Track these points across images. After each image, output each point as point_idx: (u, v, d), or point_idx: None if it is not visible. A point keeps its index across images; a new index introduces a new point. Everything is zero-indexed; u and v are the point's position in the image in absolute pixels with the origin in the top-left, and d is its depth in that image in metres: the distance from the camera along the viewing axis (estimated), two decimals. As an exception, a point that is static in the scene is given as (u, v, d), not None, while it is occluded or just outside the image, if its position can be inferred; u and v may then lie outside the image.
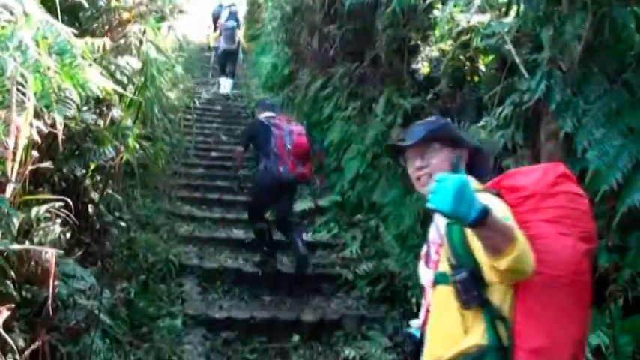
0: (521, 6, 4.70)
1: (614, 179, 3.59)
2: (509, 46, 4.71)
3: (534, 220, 2.17)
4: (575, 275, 2.11)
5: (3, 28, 3.22)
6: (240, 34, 15.83)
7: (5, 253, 3.24)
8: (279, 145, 6.48)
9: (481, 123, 5.10)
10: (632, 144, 3.60)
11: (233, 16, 15.62)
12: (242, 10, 17.71)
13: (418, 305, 5.69)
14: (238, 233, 7.97)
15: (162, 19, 7.31)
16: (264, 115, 6.92)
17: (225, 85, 15.53)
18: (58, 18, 3.74)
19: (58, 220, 4.18)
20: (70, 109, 3.62)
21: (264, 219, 6.98)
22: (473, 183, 2.14)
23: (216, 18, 17.11)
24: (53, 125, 3.58)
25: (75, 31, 3.78)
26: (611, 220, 3.71)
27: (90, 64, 3.82)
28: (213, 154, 11.37)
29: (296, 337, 5.67)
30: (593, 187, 3.76)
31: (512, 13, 5.15)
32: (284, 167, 6.44)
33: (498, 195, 2.27)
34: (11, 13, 3.29)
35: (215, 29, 16.90)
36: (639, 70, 3.84)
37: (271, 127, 6.60)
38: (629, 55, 3.98)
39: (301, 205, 8.47)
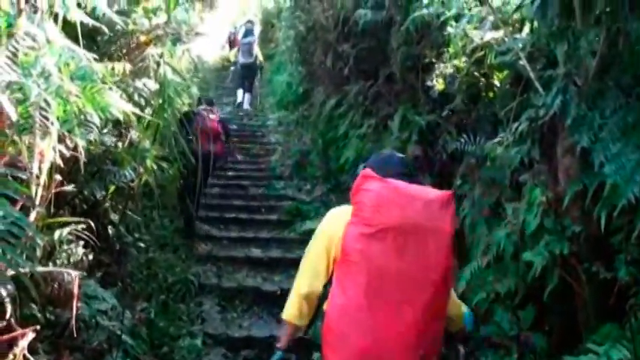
0: (535, 22, 4.73)
1: (632, 193, 3.58)
2: (523, 62, 4.73)
3: None
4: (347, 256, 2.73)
5: (26, 55, 3.29)
6: (257, 49, 16.37)
7: (30, 275, 3.28)
8: (197, 128, 7.77)
9: (497, 139, 5.11)
10: (649, 158, 3.60)
11: (250, 32, 16.42)
12: (257, 29, 18.09)
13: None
14: (256, 252, 8.01)
15: (177, 40, 7.39)
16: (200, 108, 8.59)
17: (244, 100, 16.13)
18: (79, 43, 3.82)
19: (81, 242, 4.24)
20: (92, 132, 3.68)
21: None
22: None
23: (232, 38, 17.54)
24: (75, 148, 3.64)
25: (95, 56, 3.86)
26: (630, 234, 3.71)
27: (110, 88, 3.89)
28: (230, 173, 11.44)
29: (316, 355, 5.66)
30: (611, 202, 3.76)
31: (526, 29, 5.18)
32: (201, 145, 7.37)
33: None
34: (34, 40, 3.36)
35: (231, 48, 17.35)
36: (655, 83, 3.85)
37: (197, 115, 8.08)
38: (644, 69, 3.99)
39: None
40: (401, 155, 3.14)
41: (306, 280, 2.89)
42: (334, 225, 2.84)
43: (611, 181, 3.73)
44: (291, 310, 2.94)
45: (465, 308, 3.24)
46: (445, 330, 2.90)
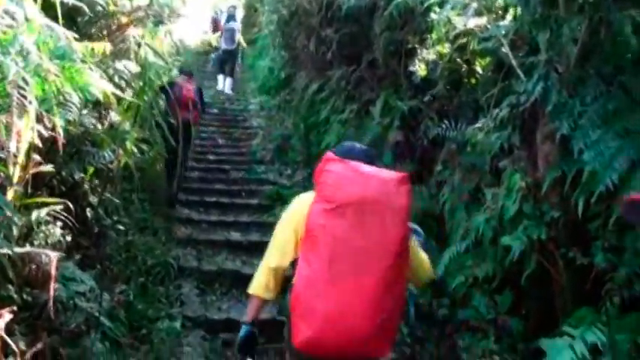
0: (518, 9, 4.74)
1: (610, 180, 3.63)
2: (506, 49, 4.75)
3: None
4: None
5: (5, 33, 3.25)
6: (239, 36, 16.45)
7: (7, 256, 3.25)
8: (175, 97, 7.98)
9: (478, 125, 5.13)
10: (628, 145, 3.64)
11: (232, 18, 16.54)
12: (239, 14, 18.07)
13: (416, 305, 5.74)
14: (236, 235, 8.00)
15: (159, 23, 7.33)
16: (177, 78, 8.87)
17: (225, 84, 16.17)
18: (58, 22, 3.77)
19: (59, 223, 4.20)
20: (71, 112, 3.64)
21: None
22: None
23: (216, 22, 17.98)
24: (53, 129, 3.60)
25: (75, 35, 3.81)
26: (607, 221, 3.75)
27: (90, 68, 3.85)
28: (211, 157, 11.41)
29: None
30: (589, 188, 3.80)
31: (509, 16, 5.19)
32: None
33: None
34: (13, 18, 3.31)
35: (214, 32, 17.36)
36: (636, 72, 3.88)
37: (174, 85, 8.17)
38: (625, 58, 4.02)
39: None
40: (364, 147, 3.35)
41: (275, 256, 3.14)
42: (300, 207, 3.12)
43: (589, 168, 3.77)
44: (258, 284, 3.16)
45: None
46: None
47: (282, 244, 3.14)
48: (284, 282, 3.14)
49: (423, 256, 3.37)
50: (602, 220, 3.89)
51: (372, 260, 2.88)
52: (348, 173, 2.98)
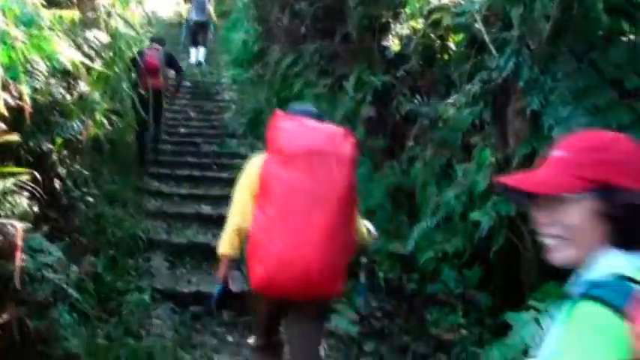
0: (492, -15, 4.73)
1: (580, 156, 3.66)
2: (479, 25, 4.75)
3: None
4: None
5: (-32, -3, 3.17)
6: (210, 7, 16.12)
7: (-29, 226, 3.20)
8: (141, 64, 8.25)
9: (450, 100, 5.15)
10: (598, 122, 3.67)
11: None
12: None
13: (386, 280, 5.80)
14: (207, 209, 7.95)
15: (130, -8, 7.21)
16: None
17: (198, 54, 15.82)
18: (24, -12, 3.68)
19: (25, 194, 4.14)
20: (38, 80, 3.57)
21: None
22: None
23: None
24: (20, 97, 3.54)
25: (42, 1, 3.73)
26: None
27: (58, 36, 3.77)
28: (182, 130, 11.32)
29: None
30: (559, 164, 3.83)
31: (483, -9, 5.18)
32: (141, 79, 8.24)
33: None
34: (-24, -18, 3.23)
35: (187, 2, 17.03)
36: (607, 50, 3.90)
37: (142, 54, 8.38)
38: (596, 35, 4.04)
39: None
40: (310, 107, 3.75)
41: (236, 218, 3.41)
42: (253, 169, 3.39)
43: (559, 144, 3.80)
44: (225, 244, 3.46)
45: (370, 228, 3.96)
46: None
47: (241, 206, 3.39)
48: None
49: (362, 222, 3.78)
50: (570, 196, 3.93)
51: (321, 205, 3.11)
52: (297, 128, 3.29)
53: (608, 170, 1.35)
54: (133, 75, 7.92)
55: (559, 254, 1.40)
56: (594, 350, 1.20)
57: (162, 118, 9.81)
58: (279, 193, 3.14)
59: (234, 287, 3.57)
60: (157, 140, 9.61)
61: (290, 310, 3.39)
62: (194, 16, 15.62)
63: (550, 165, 1.42)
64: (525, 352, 3.62)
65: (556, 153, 1.44)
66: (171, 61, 9.55)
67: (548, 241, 1.42)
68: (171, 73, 9.85)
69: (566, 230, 1.38)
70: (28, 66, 3.57)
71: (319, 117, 3.51)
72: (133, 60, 7.92)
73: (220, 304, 3.67)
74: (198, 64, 15.62)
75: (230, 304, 3.85)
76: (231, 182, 8.75)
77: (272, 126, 3.32)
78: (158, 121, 9.28)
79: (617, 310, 1.20)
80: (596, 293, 1.25)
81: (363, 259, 4.18)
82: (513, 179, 1.45)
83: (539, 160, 1.47)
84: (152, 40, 9.64)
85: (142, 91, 8.03)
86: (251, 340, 3.85)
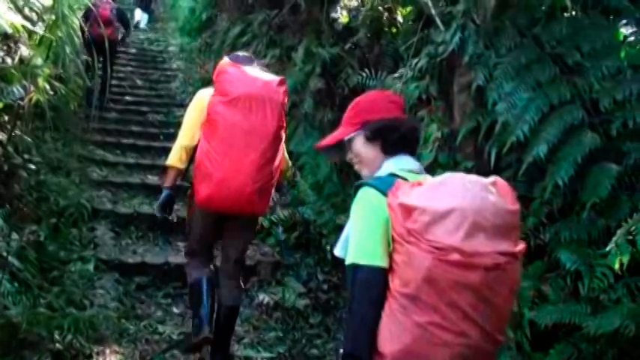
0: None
1: (522, 131, 3.74)
2: (426, -1, 4.78)
3: None
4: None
5: None
6: None
7: None
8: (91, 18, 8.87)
9: (397, 74, 5.17)
10: (539, 98, 3.75)
11: None
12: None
13: (332, 253, 5.84)
14: (153, 179, 7.88)
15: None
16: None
17: (142, 19, 16.45)
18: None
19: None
20: (-24, 43, 3.46)
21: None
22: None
23: None
24: (-43, 60, 3.43)
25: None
26: (518, 172, 3.87)
27: (-3, -2, 3.66)
28: (128, 98, 11.16)
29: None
30: (502, 139, 3.90)
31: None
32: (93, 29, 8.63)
33: None
34: None
35: None
36: (549, 25, 3.97)
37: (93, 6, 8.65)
38: (539, 10, 4.10)
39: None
40: (251, 55, 4.42)
41: (186, 137, 4.15)
42: (201, 99, 4.12)
43: (502, 120, 3.88)
44: (174, 158, 4.20)
45: (290, 166, 4.78)
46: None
47: (189, 129, 4.13)
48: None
49: (287, 157, 4.56)
50: (512, 170, 4.02)
51: (255, 140, 3.85)
52: (240, 75, 3.95)
53: (362, 114, 2.26)
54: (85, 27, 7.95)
55: (362, 173, 2.26)
56: (365, 211, 2.00)
57: (113, 65, 10.65)
58: (223, 130, 3.85)
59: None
60: (106, 86, 10.05)
61: (225, 223, 4.21)
62: None
63: (340, 125, 2.33)
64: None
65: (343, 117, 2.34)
66: (121, 16, 10.75)
67: (356, 167, 2.29)
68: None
69: (357, 157, 2.26)
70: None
71: (255, 62, 4.25)
72: (86, 11, 8.73)
73: (166, 207, 4.42)
74: (137, 25, 16.11)
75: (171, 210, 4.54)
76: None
77: (219, 71, 3.99)
78: (109, 67, 9.57)
79: (382, 192, 1.97)
80: (370, 183, 2.04)
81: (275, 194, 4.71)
82: (323, 141, 2.36)
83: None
84: None
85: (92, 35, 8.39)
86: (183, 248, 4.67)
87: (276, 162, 4.05)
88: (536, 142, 3.68)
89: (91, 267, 5.39)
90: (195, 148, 4.07)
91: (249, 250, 6.35)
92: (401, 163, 2.15)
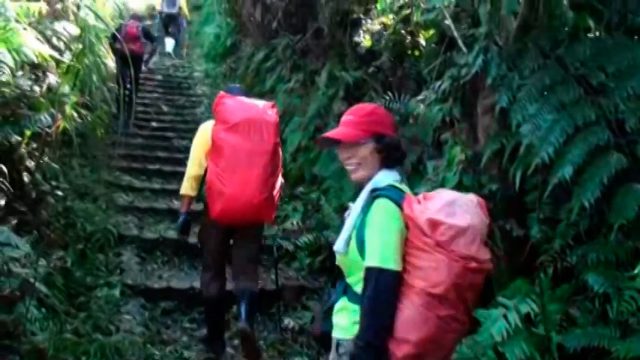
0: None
1: (546, 153, 3.69)
2: (448, 21, 4.78)
3: None
4: None
5: None
6: (182, 1, 17.03)
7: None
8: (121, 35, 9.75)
9: (420, 97, 5.17)
10: (564, 119, 3.70)
11: None
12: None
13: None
14: (178, 204, 7.89)
15: (101, -16, 7.15)
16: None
17: (168, 44, 16.79)
18: (-10, -21, 3.64)
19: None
20: (4, 73, 3.53)
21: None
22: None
23: None
24: (-15, 90, 3.50)
25: (9, -6, 3.69)
26: (543, 193, 3.83)
27: (25, 28, 3.73)
28: (154, 124, 11.26)
29: (235, 308, 5.69)
30: (526, 161, 3.86)
31: (453, -13, 5.21)
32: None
33: None
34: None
35: None
36: (572, 46, 3.94)
37: (122, 26, 10.92)
38: (562, 32, 4.08)
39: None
40: (243, 88, 5.37)
41: (194, 168, 4.76)
42: (204, 131, 4.72)
43: (526, 141, 3.84)
44: (186, 187, 4.84)
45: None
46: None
47: (197, 157, 4.72)
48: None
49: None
50: (538, 192, 3.98)
51: (256, 157, 4.41)
52: (236, 104, 4.55)
53: (378, 125, 2.52)
54: (117, 44, 9.49)
55: (357, 174, 2.53)
56: (387, 221, 2.33)
57: (139, 76, 11.61)
58: (228, 152, 4.39)
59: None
60: (130, 98, 10.36)
61: (235, 235, 4.77)
62: (165, 9, 16.73)
63: (347, 125, 2.55)
64: (495, 349, 3.66)
65: (348, 117, 2.58)
66: (147, 33, 11.88)
67: (349, 168, 2.55)
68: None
69: (359, 161, 2.51)
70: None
71: (246, 93, 5.06)
72: (117, 29, 9.84)
73: (184, 230, 5.01)
74: (167, 54, 16.54)
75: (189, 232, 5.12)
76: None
77: (217, 103, 4.55)
78: (137, 79, 10.70)
79: (397, 203, 2.35)
80: (385, 193, 2.38)
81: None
82: (329, 134, 2.59)
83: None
84: (131, 16, 11.91)
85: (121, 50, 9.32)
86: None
87: (278, 174, 4.69)
88: (562, 163, 3.64)
89: (117, 292, 5.41)
90: (203, 176, 4.67)
91: (273, 274, 6.38)
92: (393, 175, 2.52)
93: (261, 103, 4.69)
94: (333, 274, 3.10)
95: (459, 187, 4.47)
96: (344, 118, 2.60)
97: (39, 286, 4.38)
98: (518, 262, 4.21)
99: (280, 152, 4.74)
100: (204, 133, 4.68)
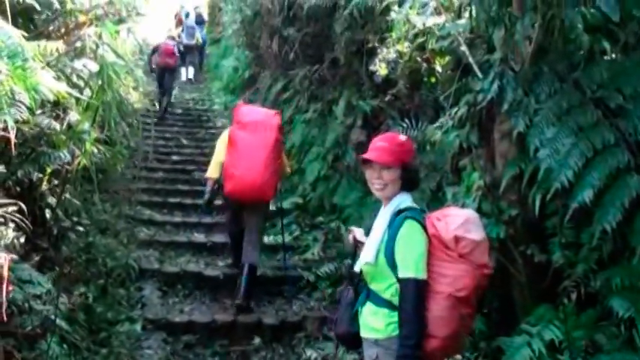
0: (474, 7, 4.76)
1: (566, 177, 3.65)
2: (463, 47, 4.78)
3: None
4: None
5: (-49, 30, 3.18)
6: (198, 35, 18.82)
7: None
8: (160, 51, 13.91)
9: (437, 123, 5.16)
10: (582, 142, 3.66)
11: (199, 17, 20.07)
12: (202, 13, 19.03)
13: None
14: (199, 237, 7.94)
15: (120, 21, 7.26)
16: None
17: (188, 72, 18.70)
18: (8, 21, 3.70)
19: (12, 225, 4.13)
20: (21, 112, 3.57)
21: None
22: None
23: (179, 18, 20.24)
24: (5, 129, 3.54)
25: (26, 34, 3.74)
26: (564, 218, 3.78)
27: (42, 67, 3.78)
28: (174, 157, 11.34)
29: (257, 340, 5.67)
30: (546, 186, 3.82)
31: (466, 14, 5.22)
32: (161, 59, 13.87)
33: None
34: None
35: (177, 27, 18.66)
36: (588, 69, 3.91)
37: (160, 44, 14.24)
38: (578, 55, 4.06)
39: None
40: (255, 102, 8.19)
41: (219, 156, 6.11)
42: (224, 136, 6.12)
43: (545, 166, 3.80)
44: (212, 170, 6.23)
45: (287, 164, 6.86)
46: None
47: (220, 150, 6.09)
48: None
49: (286, 161, 6.68)
50: (558, 217, 3.93)
51: (260, 150, 5.79)
52: (248, 110, 6.19)
53: (406, 155, 2.97)
54: (153, 58, 14.04)
55: (383, 193, 2.97)
56: (418, 238, 2.81)
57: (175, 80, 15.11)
58: (239, 145, 5.82)
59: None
60: (170, 101, 14.30)
61: (245, 208, 6.17)
62: (184, 40, 18.08)
63: (382, 150, 2.95)
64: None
65: (383, 144, 2.99)
66: (179, 50, 15.23)
67: (376, 186, 2.99)
68: None
69: (386, 182, 2.95)
70: (13, 98, 3.56)
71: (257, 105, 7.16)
72: (155, 48, 14.12)
73: (209, 204, 6.42)
74: (188, 80, 18.47)
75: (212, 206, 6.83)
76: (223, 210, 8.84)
77: (236, 109, 6.16)
78: (171, 87, 14.29)
79: (421, 223, 2.85)
80: (412, 214, 2.86)
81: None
82: (367, 156, 2.94)
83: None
84: (167, 37, 14.68)
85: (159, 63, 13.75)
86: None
87: (277, 163, 5.99)
88: (581, 187, 3.59)
89: (138, 327, 5.41)
90: (223, 163, 6.00)
91: (295, 305, 6.35)
92: (409, 198, 3.01)
93: (268, 111, 6.27)
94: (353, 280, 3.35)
95: (479, 213, 4.43)
96: (378, 143, 3.02)
97: (60, 323, 4.38)
98: (541, 288, 4.16)
99: (282, 147, 6.39)
100: (224, 137, 6.12)
